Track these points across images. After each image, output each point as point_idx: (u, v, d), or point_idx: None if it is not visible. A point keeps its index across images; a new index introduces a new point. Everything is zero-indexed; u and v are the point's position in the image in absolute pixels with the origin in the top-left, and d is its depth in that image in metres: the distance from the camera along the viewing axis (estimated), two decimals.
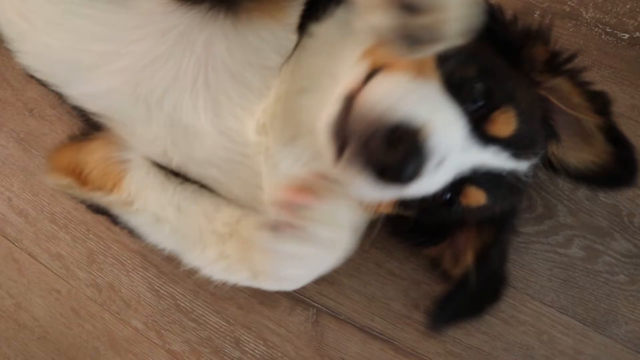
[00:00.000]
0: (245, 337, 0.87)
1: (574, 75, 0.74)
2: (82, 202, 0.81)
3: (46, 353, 0.91)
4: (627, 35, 1.01)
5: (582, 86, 0.74)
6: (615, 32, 1.01)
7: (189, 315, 0.89)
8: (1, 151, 1.03)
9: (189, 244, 0.74)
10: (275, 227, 0.60)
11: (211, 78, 0.68)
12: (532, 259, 0.87)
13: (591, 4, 1.04)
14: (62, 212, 0.97)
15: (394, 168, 0.54)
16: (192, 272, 0.89)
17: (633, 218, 0.89)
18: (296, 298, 0.88)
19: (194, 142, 0.72)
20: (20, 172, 1.01)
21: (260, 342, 0.86)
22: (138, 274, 0.92)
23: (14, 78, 1.09)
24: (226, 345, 0.87)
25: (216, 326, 0.88)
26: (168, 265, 0.91)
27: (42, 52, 0.75)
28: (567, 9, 1.03)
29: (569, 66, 0.74)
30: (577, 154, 0.76)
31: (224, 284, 0.79)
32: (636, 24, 1.01)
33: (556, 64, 0.74)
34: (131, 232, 0.79)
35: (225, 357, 0.86)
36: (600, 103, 0.73)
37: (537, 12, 1.04)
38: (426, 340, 0.83)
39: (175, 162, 0.75)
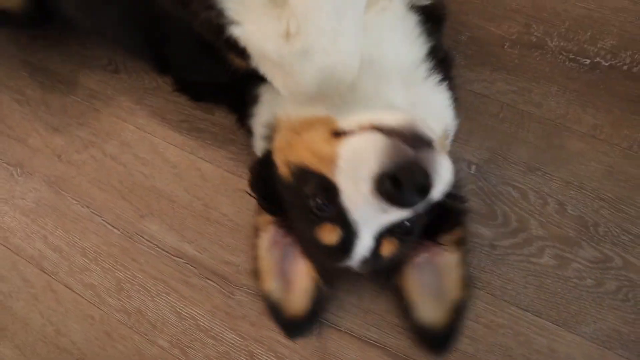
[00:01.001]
0: (259, 350, 0.98)
1: (463, 257, 0.93)
2: None
3: None
4: (588, 61, 1.12)
5: (464, 266, 0.92)
6: (578, 58, 1.12)
7: (207, 333, 1.00)
8: (35, 194, 1.17)
9: None
10: None
11: None
12: (508, 269, 0.98)
13: (555, 34, 1.15)
14: (92, 246, 1.10)
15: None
16: (209, 296, 1.02)
17: (598, 228, 1.00)
18: None
19: None
20: (53, 212, 1.14)
21: (272, 354, 0.98)
22: (162, 298, 1.04)
23: (42, 127, 1.23)
24: (242, 358, 0.98)
25: (232, 342, 0.99)
26: (188, 290, 1.03)
27: None
28: (534, 39, 1.14)
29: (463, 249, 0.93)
30: (424, 308, 0.91)
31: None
32: (596, 50, 1.12)
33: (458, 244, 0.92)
34: None
35: None
36: (467, 284, 0.93)
37: (507, 44, 1.15)
38: (416, 346, 0.94)
39: None
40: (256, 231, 0.96)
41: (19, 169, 1.20)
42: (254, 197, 0.94)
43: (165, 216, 1.09)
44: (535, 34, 1.15)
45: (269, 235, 0.94)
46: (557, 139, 1.06)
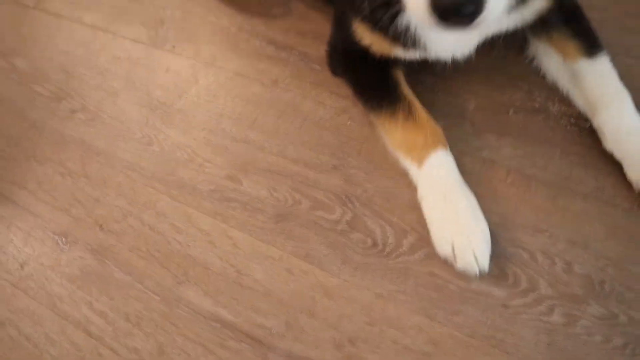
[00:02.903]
0: None
1: None
2: None
3: None
4: (588, 124, 1.19)
5: None
6: (578, 122, 1.20)
7: None
8: (80, 262, 1.27)
9: None
10: None
11: None
12: (520, 328, 1.05)
13: (556, 99, 1.23)
14: (134, 312, 1.19)
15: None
16: (244, 358, 1.10)
17: (604, 285, 1.07)
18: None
19: None
20: (97, 279, 1.24)
21: None
22: None
23: (84, 198, 1.33)
24: None
25: None
26: (225, 352, 1.12)
27: None
28: (537, 105, 1.23)
29: None
30: None
31: None
32: None
33: None
34: None
35: None
36: None
37: (512, 110, 1.23)
38: None
39: None
40: None
41: (63, 238, 1.30)
42: None
43: (201, 282, 1.19)
44: (537, 99, 1.23)
45: None
46: (562, 201, 1.14)
